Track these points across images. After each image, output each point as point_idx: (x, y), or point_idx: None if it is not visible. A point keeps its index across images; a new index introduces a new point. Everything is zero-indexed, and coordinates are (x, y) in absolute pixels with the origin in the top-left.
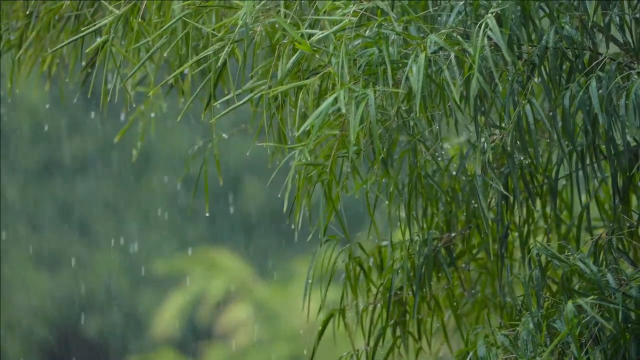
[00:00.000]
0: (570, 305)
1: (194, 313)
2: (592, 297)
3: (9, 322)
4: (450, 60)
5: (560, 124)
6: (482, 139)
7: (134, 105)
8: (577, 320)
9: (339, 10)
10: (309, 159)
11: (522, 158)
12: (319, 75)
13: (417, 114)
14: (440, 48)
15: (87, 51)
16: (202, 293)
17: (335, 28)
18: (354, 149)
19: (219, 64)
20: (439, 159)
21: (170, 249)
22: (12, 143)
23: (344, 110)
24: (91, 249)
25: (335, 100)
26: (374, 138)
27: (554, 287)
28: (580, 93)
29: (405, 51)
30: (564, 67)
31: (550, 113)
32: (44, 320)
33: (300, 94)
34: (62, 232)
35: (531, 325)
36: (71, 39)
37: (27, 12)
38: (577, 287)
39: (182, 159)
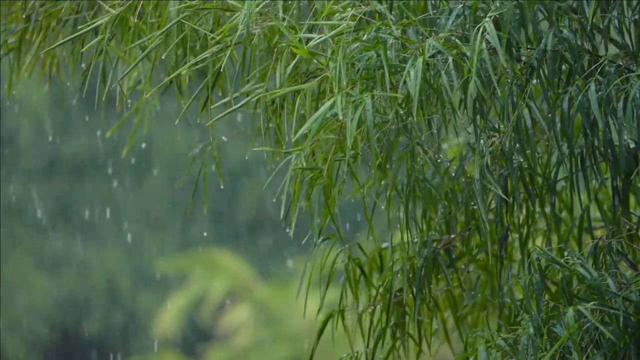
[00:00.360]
0: (570, 311)
1: (195, 313)
2: (592, 302)
3: (9, 322)
4: (449, 64)
5: (559, 126)
6: (481, 142)
7: (129, 106)
8: (578, 325)
9: (337, 15)
10: (304, 164)
11: (521, 160)
12: (317, 79)
13: (415, 118)
14: (439, 52)
15: (82, 51)
16: (203, 293)
17: (333, 32)
18: (351, 152)
19: (217, 67)
20: (438, 161)
21: (171, 249)
22: (13, 143)
23: (341, 116)
24: (92, 249)
25: (333, 104)
26: (371, 142)
27: (554, 288)
28: (579, 96)
29: (403, 55)
30: (563, 69)
31: (549, 115)
32: (44, 320)
33: (298, 98)
34: (62, 232)
35: (531, 330)
36: (67, 38)
37: (25, 15)
38: (577, 291)
39: (184, 159)
